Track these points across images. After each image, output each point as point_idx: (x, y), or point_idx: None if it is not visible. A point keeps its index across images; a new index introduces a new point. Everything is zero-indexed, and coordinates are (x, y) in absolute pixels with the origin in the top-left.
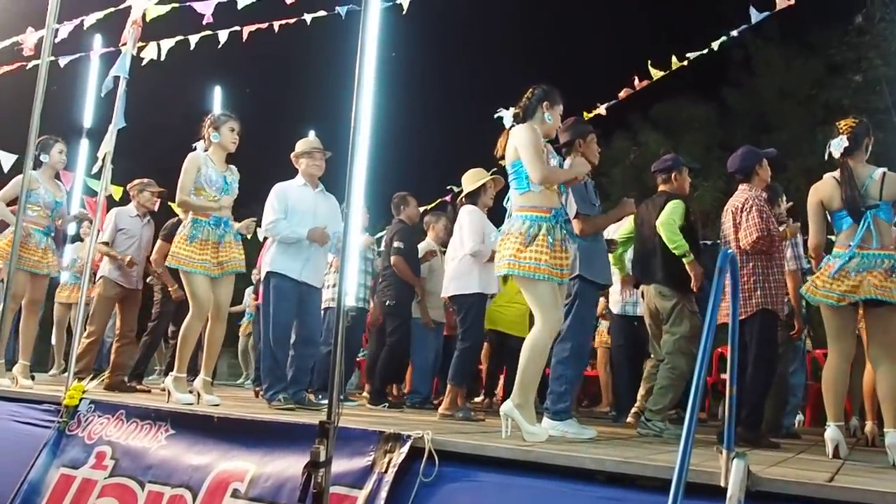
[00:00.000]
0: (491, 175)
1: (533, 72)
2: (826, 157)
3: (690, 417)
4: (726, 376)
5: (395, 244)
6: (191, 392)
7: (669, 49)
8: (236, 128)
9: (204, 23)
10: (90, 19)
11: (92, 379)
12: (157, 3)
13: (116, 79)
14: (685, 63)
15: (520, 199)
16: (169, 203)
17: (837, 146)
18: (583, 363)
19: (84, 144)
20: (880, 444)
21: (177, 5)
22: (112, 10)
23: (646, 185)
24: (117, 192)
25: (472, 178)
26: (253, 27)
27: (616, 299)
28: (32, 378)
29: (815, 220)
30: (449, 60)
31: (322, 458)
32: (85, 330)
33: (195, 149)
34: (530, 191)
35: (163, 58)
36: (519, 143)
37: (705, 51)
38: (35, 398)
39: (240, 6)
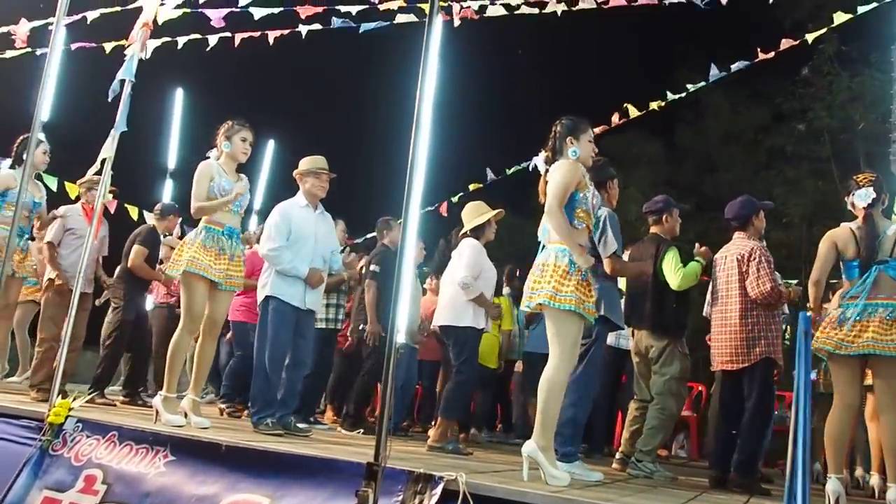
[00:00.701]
0: (496, 212)
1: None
2: (849, 207)
3: (803, 477)
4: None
5: (372, 267)
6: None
7: (642, 86)
8: (248, 138)
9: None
10: (93, 14)
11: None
12: (172, 6)
13: (122, 82)
14: (656, 107)
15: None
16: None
17: (864, 198)
18: (590, 405)
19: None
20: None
21: (188, 10)
22: (119, 8)
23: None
24: (72, 191)
25: (475, 212)
26: (246, 34)
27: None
28: None
29: (823, 261)
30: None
31: (370, 502)
32: (36, 338)
33: (208, 157)
34: (573, 226)
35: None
36: (551, 178)
37: (680, 95)
38: (14, 413)
39: (256, 17)
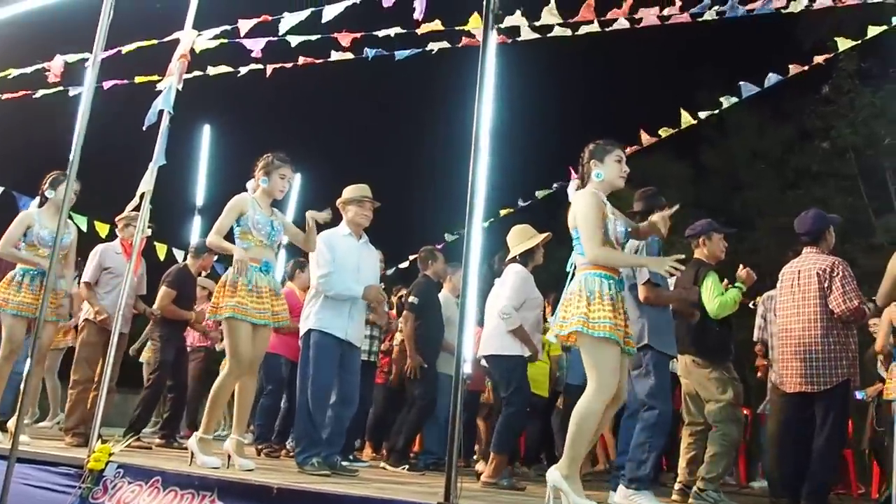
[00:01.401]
0: (544, 236)
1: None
2: None
3: None
4: None
5: (410, 299)
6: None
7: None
8: (288, 175)
9: (253, 56)
10: (129, 48)
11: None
12: (208, 37)
13: (160, 113)
14: (689, 123)
15: (584, 259)
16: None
17: None
18: (667, 432)
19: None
20: None
21: (226, 41)
22: (156, 41)
23: None
24: (101, 230)
25: (522, 236)
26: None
27: None
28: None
29: (890, 283)
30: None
31: None
32: (69, 380)
33: (246, 189)
34: None
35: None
36: (577, 213)
37: (712, 112)
38: (52, 460)
39: (293, 44)
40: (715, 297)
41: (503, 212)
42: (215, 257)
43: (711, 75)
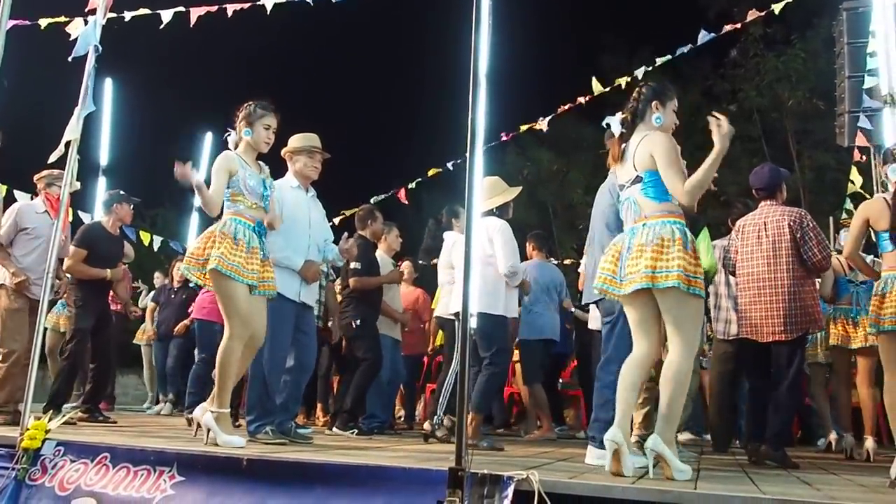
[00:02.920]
0: (517, 190)
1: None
2: (883, 178)
3: None
4: None
5: (353, 265)
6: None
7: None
8: (272, 125)
9: None
10: None
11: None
12: None
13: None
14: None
15: (659, 206)
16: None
17: None
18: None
19: None
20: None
21: None
22: None
23: (538, 199)
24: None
25: (494, 190)
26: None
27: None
28: None
29: (855, 234)
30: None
31: None
32: None
33: (226, 142)
34: (670, 201)
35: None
36: (658, 153)
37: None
38: None
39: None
40: (707, 252)
41: (431, 172)
42: (131, 207)
43: (618, 40)
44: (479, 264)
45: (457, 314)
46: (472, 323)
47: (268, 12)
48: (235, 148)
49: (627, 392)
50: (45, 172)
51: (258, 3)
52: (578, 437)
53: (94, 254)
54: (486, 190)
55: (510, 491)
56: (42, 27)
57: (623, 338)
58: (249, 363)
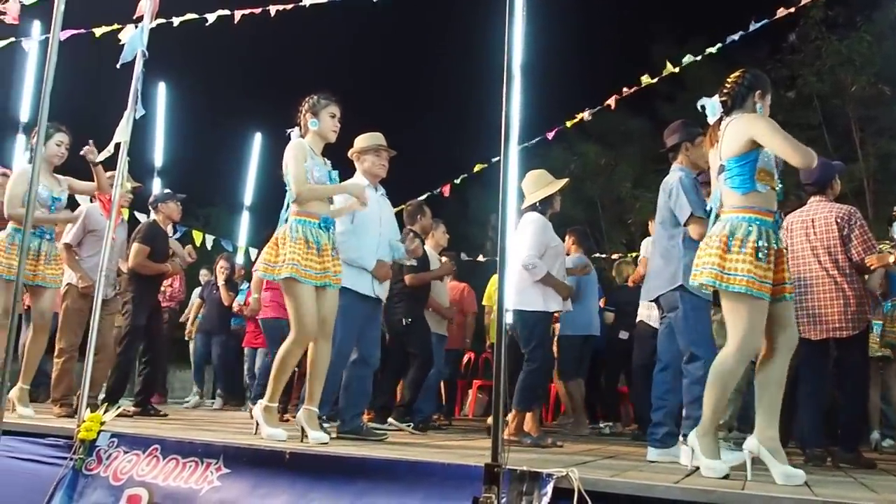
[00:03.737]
0: (563, 182)
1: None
2: None
3: None
4: None
5: (408, 262)
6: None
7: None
8: (337, 113)
9: None
10: None
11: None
12: None
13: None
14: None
15: (740, 199)
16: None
17: None
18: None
19: (21, 141)
20: None
21: None
22: None
23: (585, 194)
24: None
25: (539, 183)
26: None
27: (649, 312)
28: None
29: None
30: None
31: None
32: (55, 349)
33: (289, 137)
34: (755, 190)
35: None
36: (760, 132)
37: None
38: (39, 431)
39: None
40: None
41: (477, 167)
42: (178, 204)
43: (667, 29)
44: (518, 260)
45: (516, 311)
46: (508, 318)
47: (307, 5)
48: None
49: (762, 392)
50: (108, 174)
51: (300, 3)
52: (622, 435)
53: (154, 251)
54: (530, 183)
55: (549, 488)
56: (97, 35)
57: (701, 332)
58: (328, 349)
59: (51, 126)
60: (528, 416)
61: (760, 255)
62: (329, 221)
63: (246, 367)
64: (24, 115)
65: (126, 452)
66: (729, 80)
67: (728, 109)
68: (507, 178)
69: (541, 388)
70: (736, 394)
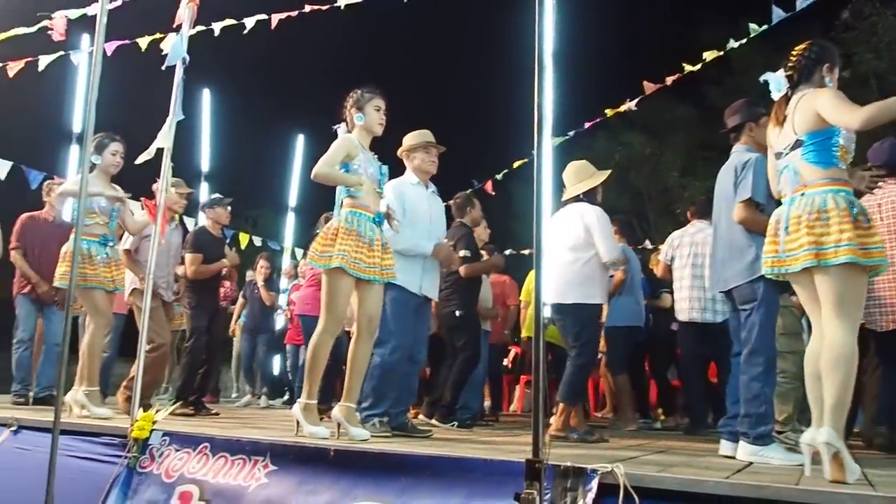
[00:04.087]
0: (607, 174)
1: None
2: None
3: None
4: None
5: (462, 253)
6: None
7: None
8: (382, 106)
9: None
10: None
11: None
12: None
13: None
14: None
15: (821, 172)
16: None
17: None
18: (775, 378)
19: (74, 151)
20: None
21: None
22: None
23: (631, 184)
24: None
25: (582, 174)
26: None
27: (689, 305)
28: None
29: None
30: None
31: None
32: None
33: (336, 133)
34: (836, 166)
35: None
36: (824, 100)
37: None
38: (95, 430)
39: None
40: None
41: (516, 164)
42: (226, 208)
43: (713, 10)
44: (571, 253)
45: (572, 305)
46: (546, 312)
47: (342, 6)
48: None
49: (816, 384)
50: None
51: (335, 4)
52: (674, 429)
53: (206, 257)
54: (572, 175)
55: (594, 484)
56: (143, 48)
57: (767, 327)
58: (370, 347)
59: (106, 136)
60: (573, 410)
61: (862, 218)
62: (381, 218)
63: (289, 363)
64: (77, 127)
65: (177, 451)
66: (794, 52)
67: (794, 84)
68: (542, 170)
69: (587, 383)
70: (794, 380)
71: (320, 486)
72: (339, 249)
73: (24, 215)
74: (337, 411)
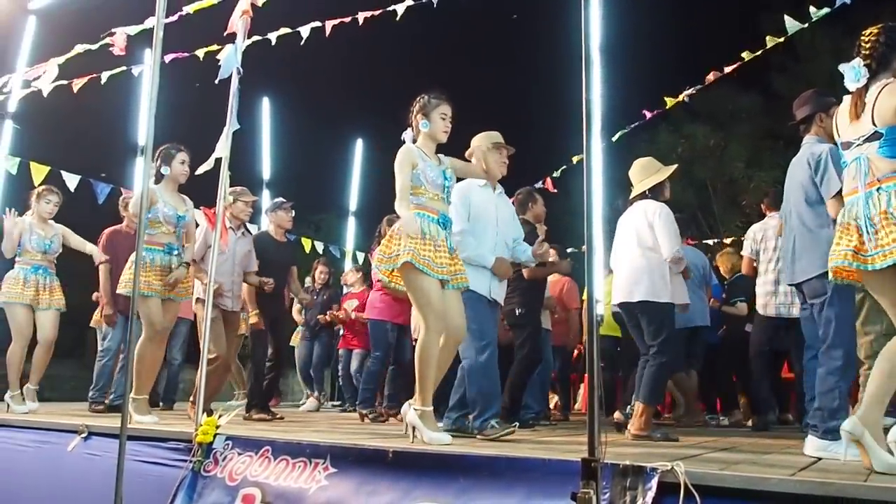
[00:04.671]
0: (672, 168)
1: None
2: None
3: None
4: None
5: (551, 256)
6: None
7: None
8: (448, 113)
9: None
10: (190, 8)
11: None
12: None
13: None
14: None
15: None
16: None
17: None
18: (853, 373)
19: (140, 163)
20: None
21: None
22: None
23: (695, 177)
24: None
25: (648, 169)
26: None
27: (768, 300)
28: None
29: None
30: None
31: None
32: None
33: (404, 141)
34: None
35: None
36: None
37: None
38: (161, 436)
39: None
40: None
41: (575, 158)
42: (288, 212)
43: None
44: (637, 250)
45: (640, 303)
46: (599, 310)
47: (398, 18)
48: (414, 143)
49: (887, 380)
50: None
51: (388, 9)
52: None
53: (263, 261)
54: (638, 171)
55: (654, 483)
56: (200, 59)
57: (844, 322)
58: (451, 359)
59: (172, 146)
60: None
61: None
62: (447, 219)
63: (340, 367)
64: (142, 139)
65: (240, 454)
66: (865, 37)
67: (873, 73)
68: (592, 167)
69: (667, 382)
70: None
71: (380, 488)
72: (405, 246)
73: (109, 230)
74: (412, 415)
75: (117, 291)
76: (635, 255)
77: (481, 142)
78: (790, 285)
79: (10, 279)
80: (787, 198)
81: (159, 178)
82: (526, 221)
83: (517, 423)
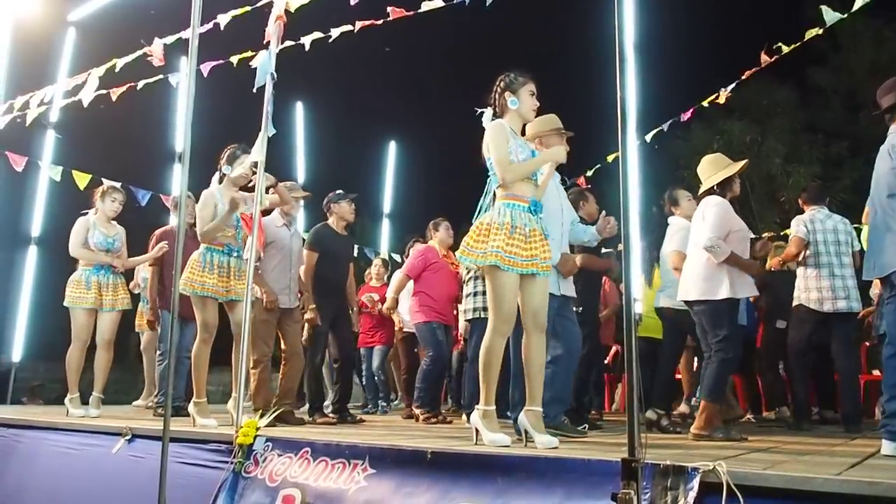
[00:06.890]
0: (742, 164)
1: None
2: None
3: None
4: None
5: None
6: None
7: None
8: (535, 90)
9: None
10: (224, 18)
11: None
12: None
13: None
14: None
15: None
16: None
17: None
18: None
19: (178, 170)
20: None
21: None
22: (249, 8)
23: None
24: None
25: (716, 165)
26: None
27: (816, 296)
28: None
29: None
30: None
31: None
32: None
33: (481, 116)
34: None
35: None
36: None
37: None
38: (202, 438)
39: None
40: None
41: (610, 157)
42: (350, 203)
43: None
44: (695, 247)
45: (696, 302)
46: (638, 308)
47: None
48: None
49: None
50: (278, 185)
51: (419, 11)
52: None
53: (325, 254)
54: (706, 167)
55: (695, 483)
56: (234, 64)
57: None
58: (542, 354)
59: (240, 147)
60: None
61: None
62: (538, 205)
63: (363, 367)
64: (179, 146)
65: (280, 455)
66: None
67: None
68: (627, 165)
69: (729, 380)
70: None
71: (418, 489)
72: (493, 246)
73: (159, 230)
74: (523, 417)
75: (181, 291)
76: (691, 253)
77: (541, 126)
78: (872, 279)
79: (73, 282)
80: (872, 190)
81: (222, 178)
82: (582, 219)
83: (587, 426)
